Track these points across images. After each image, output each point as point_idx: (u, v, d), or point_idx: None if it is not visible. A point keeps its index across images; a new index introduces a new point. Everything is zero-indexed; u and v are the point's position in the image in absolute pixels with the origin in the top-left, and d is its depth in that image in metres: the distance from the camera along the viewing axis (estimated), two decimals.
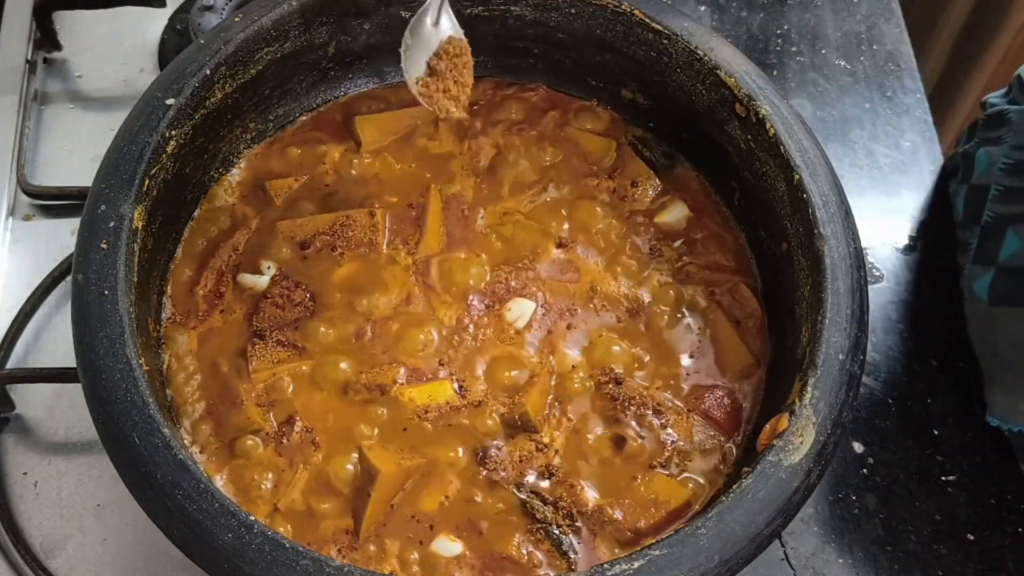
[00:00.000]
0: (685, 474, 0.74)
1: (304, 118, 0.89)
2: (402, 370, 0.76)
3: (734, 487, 0.64)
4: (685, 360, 0.79)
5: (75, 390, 0.67)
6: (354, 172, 0.86)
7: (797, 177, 0.75)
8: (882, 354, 0.94)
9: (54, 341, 0.90)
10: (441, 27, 0.76)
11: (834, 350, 0.68)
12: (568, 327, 0.79)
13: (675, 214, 0.85)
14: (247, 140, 0.86)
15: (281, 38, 0.81)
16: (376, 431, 0.74)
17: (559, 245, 0.83)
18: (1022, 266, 0.86)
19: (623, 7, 0.83)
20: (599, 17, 0.85)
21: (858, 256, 0.73)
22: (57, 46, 1.07)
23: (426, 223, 0.82)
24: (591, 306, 0.80)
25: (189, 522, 0.60)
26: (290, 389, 0.75)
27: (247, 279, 0.80)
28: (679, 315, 0.80)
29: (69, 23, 1.09)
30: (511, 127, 0.89)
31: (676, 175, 0.88)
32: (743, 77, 0.79)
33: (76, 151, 1.01)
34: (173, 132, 0.74)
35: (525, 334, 0.79)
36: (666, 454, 0.74)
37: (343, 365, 0.76)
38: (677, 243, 0.84)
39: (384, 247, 0.82)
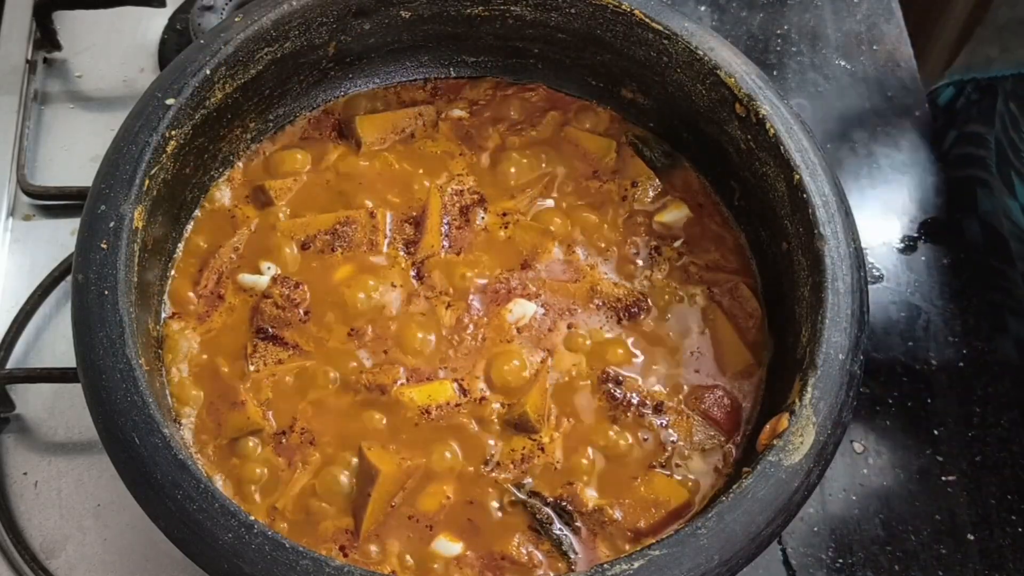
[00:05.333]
0: (685, 474, 0.74)
1: (304, 118, 0.89)
2: (402, 370, 0.76)
3: (734, 487, 0.64)
4: (685, 360, 0.79)
5: (75, 390, 0.67)
6: (354, 172, 0.86)
7: (797, 177, 0.75)
8: (882, 354, 0.94)
9: (54, 341, 0.90)
10: None
11: (834, 350, 0.68)
12: (568, 327, 0.79)
13: (675, 214, 0.86)
14: (247, 140, 0.86)
15: (281, 38, 0.81)
16: (376, 431, 0.74)
17: (559, 245, 0.83)
18: None
19: (623, 7, 0.83)
20: (599, 17, 0.85)
21: (858, 256, 0.73)
22: (57, 46, 1.08)
23: (426, 223, 0.82)
24: (591, 306, 0.80)
25: (189, 522, 0.60)
26: (290, 389, 0.75)
27: (247, 279, 0.80)
28: (679, 315, 0.80)
29: (69, 23, 1.09)
30: (511, 127, 0.89)
31: (676, 175, 0.88)
32: (743, 77, 0.80)
33: (76, 151, 1.01)
34: (173, 132, 0.74)
35: (525, 334, 0.79)
36: (666, 454, 0.74)
37: (343, 365, 0.76)
38: (677, 243, 0.84)
39: (384, 247, 0.82)
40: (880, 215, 1.03)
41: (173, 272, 0.80)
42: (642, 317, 0.80)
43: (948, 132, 1.10)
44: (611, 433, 0.75)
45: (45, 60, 1.07)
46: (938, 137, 1.10)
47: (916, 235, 1.02)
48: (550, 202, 0.85)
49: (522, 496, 0.72)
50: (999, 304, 0.99)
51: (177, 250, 0.81)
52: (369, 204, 0.84)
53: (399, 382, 0.76)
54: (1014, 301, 0.99)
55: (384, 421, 0.74)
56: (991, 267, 1.01)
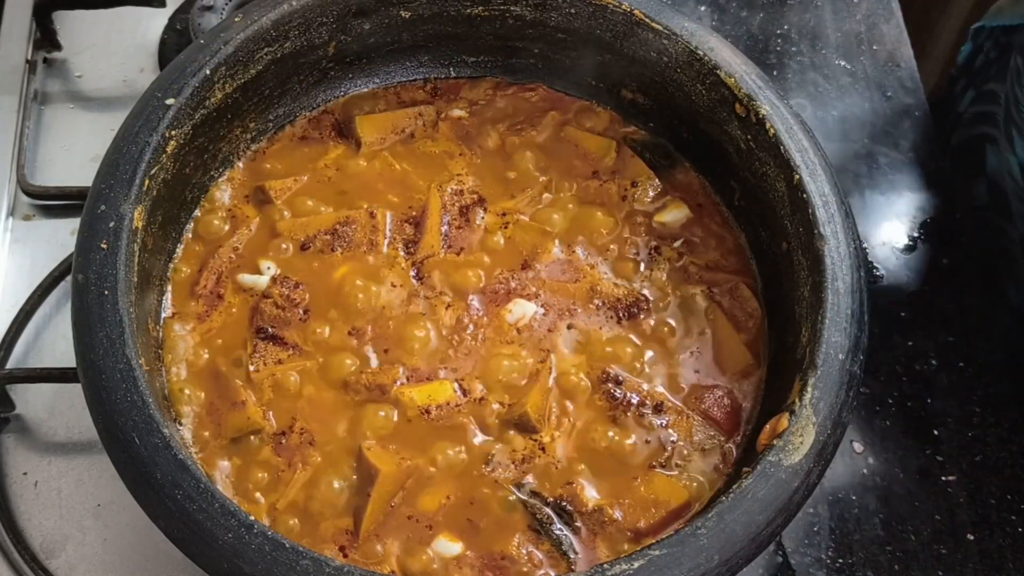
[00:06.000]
0: (685, 474, 0.74)
1: (304, 118, 0.89)
2: (402, 370, 0.76)
3: (734, 487, 0.64)
4: (685, 360, 0.79)
5: (75, 390, 0.67)
6: (354, 172, 0.86)
7: (797, 177, 0.75)
8: (882, 354, 0.94)
9: (54, 341, 0.90)
10: None
11: (834, 350, 0.68)
12: (568, 327, 0.79)
13: (675, 214, 0.86)
14: (247, 140, 0.86)
15: (281, 38, 0.81)
16: (376, 431, 0.74)
17: (559, 245, 0.83)
18: None
19: (623, 7, 0.83)
20: (599, 17, 0.85)
21: (858, 256, 0.73)
22: (57, 46, 1.08)
23: (426, 223, 0.82)
24: (591, 306, 0.80)
25: (189, 522, 0.60)
26: (290, 389, 0.75)
27: (247, 279, 0.80)
28: (679, 315, 0.80)
29: (69, 23, 1.09)
30: (511, 127, 0.89)
31: (676, 175, 0.88)
32: (743, 77, 0.79)
33: (76, 151, 1.01)
34: (173, 132, 0.74)
35: (525, 334, 0.79)
36: (666, 454, 0.74)
37: (343, 365, 0.76)
38: (677, 243, 0.84)
39: (384, 247, 0.82)
40: (880, 215, 1.03)
41: (173, 272, 0.80)
42: (642, 317, 0.80)
43: (967, 93, 1.11)
44: (611, 433, 0.75)
45: (45, 60, 1.07)
46: (956, 100, 1.10)
47: (916, 235, 1.02)
48: (550, 202, 0.85)
49: (522, 496, 0.72)
50: (997, 272, 0.99)
51: (177, 250, 0.81)
52: (369, 204, 0.84)
53: (399, 382, 0.76)
54: (1012, 263, 0.99)
55: (384, 421, 0.74)
56: (995, 225, 1.01)
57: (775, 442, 0.65)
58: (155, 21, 1.09)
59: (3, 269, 0.94)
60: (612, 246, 0.83)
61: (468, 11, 0.87)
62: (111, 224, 0.69)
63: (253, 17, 0.79)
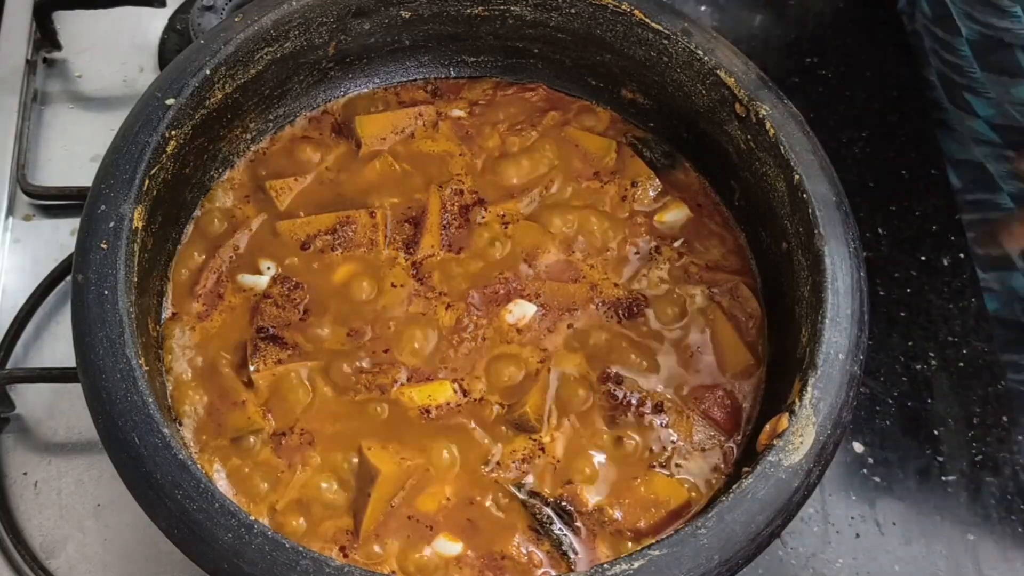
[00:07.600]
0: (685, 474, 0.74)
1: (304, 118, 0.89)
2: (402, 370, 0.76)
3: (734, 487, 0.64)
4: (685, 360, 0.79)
5: (75, 390, 0.67)
6: (354, 172, 0.86)
7: (797, 177, 0.75)
8: (882, 354, 0.94)
9: (54, 341, 0.90)
10: None
11: (834, 350, 0.68)
12: (568, 327, 0.79)
13: (675, 214, 0.86)
14: (247, 140, 0.86)
15: (281, 38, 0.81)
16: (376, 431, 0.74)
17: (559, 245, 0.83)
18: None
19: (623, 7, 0.83)
20: (599, 17, 0.85)
21: (858, 256, 0.73)
22: (57, 46, 1.08)
23: (426, 223, 0.82)
24: (591, 306, 0.80)
25: (189, 522, 0.60)
26: (290, 389, 0.75)
27: (247, 279, 0.80)
28: (679, 315, 0.80)
29: (69, 23, 1.09)
30: (511, 127, 0.89)
31: (676, 175, 0.88)
32: (743, 77, 0.80)
33: (76, 151, 1.01)
34: (173, 132, 0.74)
35: (525, 334, 0.79)
36: (666, 454, 0.74)
37: (343, 365, 0.76)
38: (677, 243, 0.84)
39: (384, 247, 0.82)
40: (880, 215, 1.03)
41: (173, 272, 0.80)
42: (642, 317, 0.80)
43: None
44: (611, 433, 0.75)
45: (45, 60, 1.07)
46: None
47: (916, 235, 1.02)
48: (550, 202, 0.85)
49: (522, 496, 0.72)
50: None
51: (177, 250, 0.81)
52: (369, 204, 0.84)
53: (399, 382, 0.76)
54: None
55: (384, 421, 0.74)
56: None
57: (775, 442, 0.65)
58: (155, 21, 1.09)
59: (3, 269, 0.94)
60: (612, 246, 0.83)
61: (468, 11, 0.87)
62: (111, 224, 0.69)
63: (253, 17, 0.79)
